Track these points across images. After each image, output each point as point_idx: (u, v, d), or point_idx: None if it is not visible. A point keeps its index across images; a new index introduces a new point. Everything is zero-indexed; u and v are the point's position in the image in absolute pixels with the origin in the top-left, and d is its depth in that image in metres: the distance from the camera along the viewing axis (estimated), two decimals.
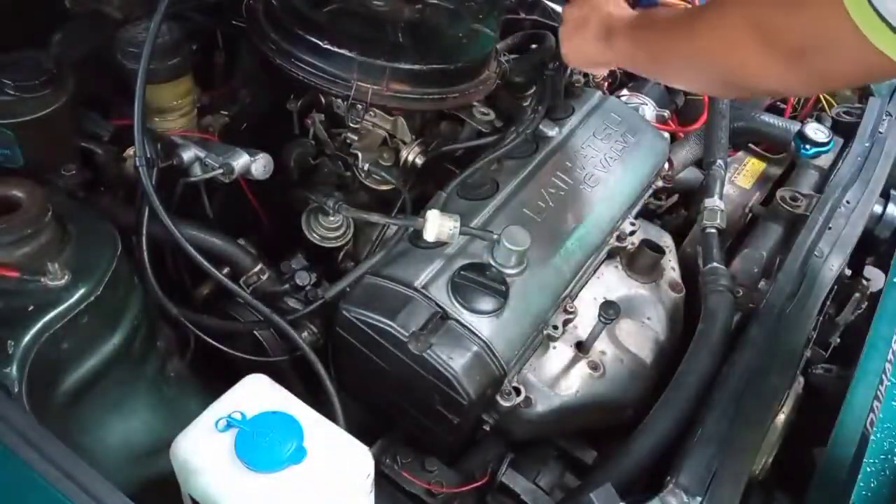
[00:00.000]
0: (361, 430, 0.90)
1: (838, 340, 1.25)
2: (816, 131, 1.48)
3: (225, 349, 1.05)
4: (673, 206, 1.53)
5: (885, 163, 1.41)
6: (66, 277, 0.86)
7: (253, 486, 0.76)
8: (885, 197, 1.38)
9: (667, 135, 1.44)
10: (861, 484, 0.95)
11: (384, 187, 1.20)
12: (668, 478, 0.90)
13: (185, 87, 1.15)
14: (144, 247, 1.00)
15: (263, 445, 0.77)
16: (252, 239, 1.14)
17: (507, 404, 1.01)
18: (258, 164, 1.07)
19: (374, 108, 1.16)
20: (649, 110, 1.51)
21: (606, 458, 1.00)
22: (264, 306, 1.02)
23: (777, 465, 1.01)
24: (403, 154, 1.20)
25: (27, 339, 0.81)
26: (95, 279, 0.88)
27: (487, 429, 1.06)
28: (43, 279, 0.85)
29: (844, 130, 1.54)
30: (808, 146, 1.48)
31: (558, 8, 1.50)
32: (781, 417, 0.99)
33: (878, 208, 1.36)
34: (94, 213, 0.98)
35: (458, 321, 0.99)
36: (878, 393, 1.05)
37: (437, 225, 1.03)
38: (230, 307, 1.10)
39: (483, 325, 1.00)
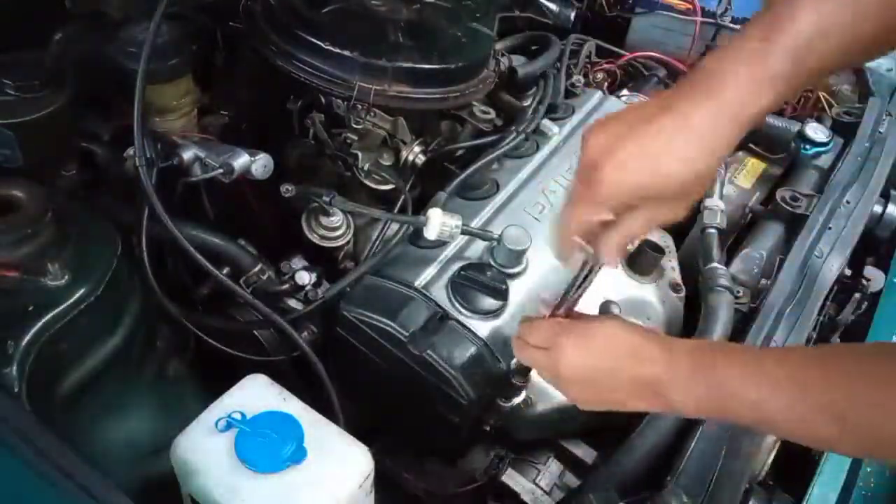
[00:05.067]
0: (361, 430, 0.90)
1: (838, 340, 1.25)
2: (816, 131, 1.48)
3: (225, 349, 1.05)
4: None
5: (885, 163, 1.41)
6: (66, 277, 0.86)
7: (253, 487, 0.76)
8: (885, 197, 1.38)
9: None
10: (861, 484, 0.95)
11: (384, 187, 1.20)
12: (668, 478, 0.90)
13: (185, 87, 1.15)
14: (144, 247, 1.00)
15: (263, 446, 0.77)
16: (252, 239, 1.14)
17: (507, 404, 1.00)
18: (258, 164, 1.07)
19: (374, 109, 1.16)
20: None
21: (606, 458, 1.00)
22: (264, 306, 1.02)
23: (777, 465, 1.01)
24: (403, 154, 1.20)
25: (27, 339, 0.81)
26: (95, 279, 0.88)
27: (488, 429, 1.06)
28: (43, 279, 0.85)
29: (844, 130, 1.54)
30: (808, 146, 1.48)
31: (553, 6, 1.50)
32: None
33: (878, 208, 1.36)
34: (94, 213, 0.98)
35: (458, 321, 0.99)
36: None
37: (439, 223, 1.02)
38: (230, 307, 1.10)
39: (483, 326, 1.00)
